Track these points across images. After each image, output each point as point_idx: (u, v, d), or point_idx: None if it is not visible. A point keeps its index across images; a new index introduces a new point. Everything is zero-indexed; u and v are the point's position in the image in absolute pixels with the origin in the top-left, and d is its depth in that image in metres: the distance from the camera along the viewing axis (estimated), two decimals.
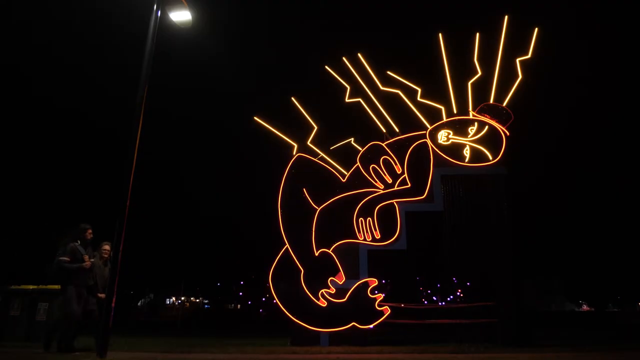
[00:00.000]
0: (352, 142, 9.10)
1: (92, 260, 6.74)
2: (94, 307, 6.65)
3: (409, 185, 8.62)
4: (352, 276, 8.31)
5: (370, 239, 8.43)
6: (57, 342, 6.44)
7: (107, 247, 7.00)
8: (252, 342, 8.97)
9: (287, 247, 8.59)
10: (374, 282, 8.27)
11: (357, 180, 8.83)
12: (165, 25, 7.29)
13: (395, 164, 8.79)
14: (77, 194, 28.36)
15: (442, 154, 8.70)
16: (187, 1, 7.20)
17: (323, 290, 8.21)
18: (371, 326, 8.08)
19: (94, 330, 6.47)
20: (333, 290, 8.21)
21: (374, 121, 9.16)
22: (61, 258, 6.44)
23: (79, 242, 6.69)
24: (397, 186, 8.68)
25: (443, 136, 8.78)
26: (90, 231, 6.91)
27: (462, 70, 9.03)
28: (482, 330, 8.29)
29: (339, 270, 8.31)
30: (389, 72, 9.34)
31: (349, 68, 9.44)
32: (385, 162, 8.79)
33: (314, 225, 8.58)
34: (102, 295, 6.72)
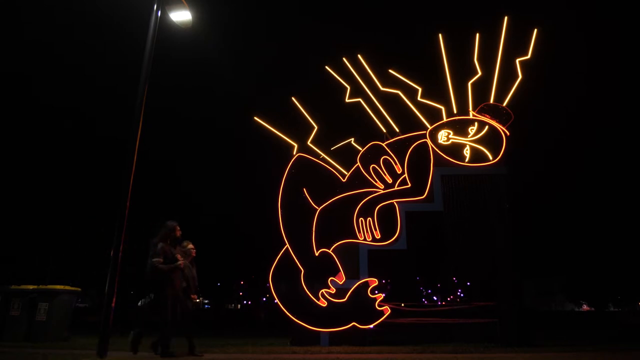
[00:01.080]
0: (352, 142, 9.10)
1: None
2: (189, 309, 6.39)
3: (409, 185, 8.62)
4: (352, 276, 8.31)
5: (371, 238, 8.42)
6: (159, 346, 6.11)
7: (192, 245, 6.74)
8: (252, 342, 8.97)
9: (287, 247, 8.59)
10: (374, 282, 8.27)
11: (357, 180, 8.83)
12: (165, 25, 7.30)
13: (396, 164, 8.78)
14: (77, 194, 28.35)
15: (442, 154, 8.70)
16: (187, 1, 7.20)
17: (323, 290, 8.21)
18: (371, 326, 8.08)
19: (187, 331, 6.32)
20: (333, 290, 8.21)
21: (374, 121, 9.16)
22: (154, 259, 5.96)
23: (168, 241, 6.26)
24: (397, 186, 8.68)
25: (443, 136, 8.78)
26: (178, 228, 6.44)
27: (462, 70, 9.03)
28: (482, 330, 8.29)
29: (339, 270, 8.31)
30: (389, 70, 9.34)
31: (349, 68, 9.44)
32: (385, 162, 8.79)
33: (314, 225, 8.58)
34: (195, 297, 6.54)
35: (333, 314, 8.08)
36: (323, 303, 8.17)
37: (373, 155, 8.85)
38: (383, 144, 8.94)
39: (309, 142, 9.22)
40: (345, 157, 9.05)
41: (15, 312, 8.63)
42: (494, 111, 8.68)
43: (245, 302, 47.80)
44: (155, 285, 6.07)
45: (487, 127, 8.66)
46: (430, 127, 8.91)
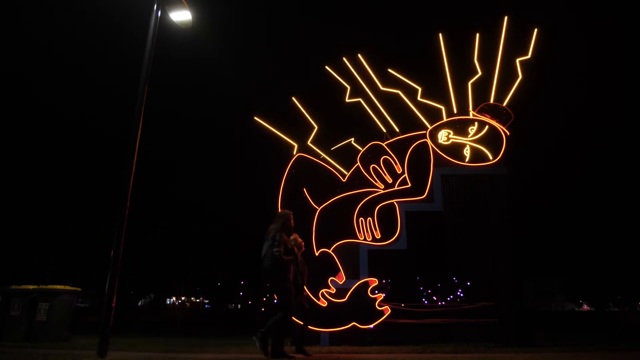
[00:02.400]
0: (353, 142, 9.10)
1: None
2: (305, 306, 6.22)
3: (409, 185, 8.62)
4: (352, 276, 8.31)
5: (371, 238, 8.42)
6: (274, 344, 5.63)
7: (300, 239, 6.51)
8: (253, 342, 8.95)
9: None
10: (374, 282, 8.27)
11: (358, 180, 8.83)
12: (165, 25, 7.29)
13: (396, 164, 8.78)
14: (77, 194, 28.35)
15: (442, 154, 8.70)
16: (187, 1, 7.20)
17: (323, 290, 8.21)
18: (371, 326, 8.08)
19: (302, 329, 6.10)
20: (333, 290, 8.21)
21: (374, 121, 9.16)
22: (276, 249, 5.54)
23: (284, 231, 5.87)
24: (397, 186, 8.68)
25: (443, 136, 8.78)
26: (292, 217, 6.08)
27: (462, 70, 9.03)
28: (482, 330, 8.29)
29: (339, 270, 8.31)
30: (389, 70, 9.34)
31: (349, 68, 9.44)
32: (386, 162, 8.79)
33: (314, 225, 8.58)
34: (307, 293, 6.37)
35: (333, 314, 8.07)
36: (323, 303, 8.17)
37: (373, 155, 8.85)
38: (383, 144, 8.94)
39: (309, 142, 9.22)
40: (345, 157, 9.05)
41: (16, 312, 8.63)
42: (494, 111, 8.68)
43: (245, 302, 47.82)
44: (273, 276, 5.62)
45: (487, 127, 8.66)
46: (430, 127, 8.90)
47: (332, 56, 9.80)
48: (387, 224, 8.47)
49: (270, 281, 5.68)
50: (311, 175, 8.96)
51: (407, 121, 9.10)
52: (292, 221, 6.04)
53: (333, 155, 9.12)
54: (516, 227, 8.54)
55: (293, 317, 5.70)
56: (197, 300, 56.26)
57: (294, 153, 9.16)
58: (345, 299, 8.15)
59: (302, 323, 6.14)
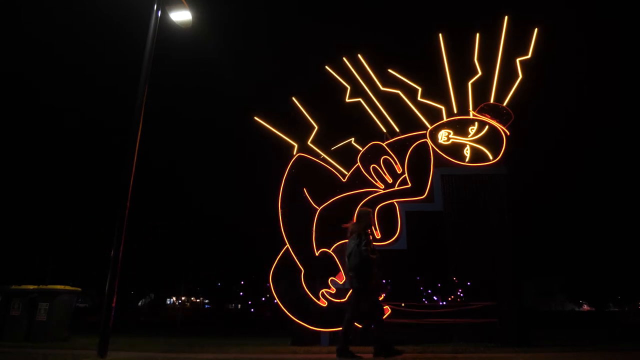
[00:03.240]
0: (353, 142, 9.09)
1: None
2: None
3: (409, 185, 8.61)
4: None
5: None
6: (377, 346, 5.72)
7: None
8: (253, 342, 8.97)
9: (287, 247, 8.59)
10: None
11: (358, 180, 8.83)
12: (165, 25, 7.29)
13: (396, 164, 8.78)
14: (77, 194, 28.34)
15: (442, 154, 8.69)
16: (187, 1, 7.19)
17: (323, 290, 8.21)
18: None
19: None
20: (333, 290, 8.21)
21: (374, 121, 9.15)
22: (364, 248, 5.55)
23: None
24: (398, 186, 8.67)
25: (443, 136, 8.78)
26: (372, 215, 5.98)
27: (462, 70, 9.02)
28: (482, 330, 8.28)
29: (340, 270, 8.31)
30: (389, 70, 9.33)
31: (349, 68, 9.43)
32: (386, 162, 8.78)
33: (315, 225, 8.58)
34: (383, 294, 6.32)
35: (333, 314, 8.07)
36: (323, 303, 8.18)
37: (373, 155, 8.85)
38: (383, 144, 8.94)
39: (309, 142, 9.22)
40: (345, 157, 9.05)
41: (16, 312, 8.63)
42: (494, 111, 8.68)
43: (248, 302, 47.87)
44: (359, 274, 5.62)
45: (487, 127, 8.65)
46: (430, 127, 8.90)
47: (332, 56, 9.79)
48: (387, 224, 8.46)
49: (355, 279, 5.67)
50: (311, 175, 8.96)
51: (407, 121, 9.09)
52: (372, 218, 6.00)
53: (333, 155, 9.12)
54: (516, 227, 8.53)
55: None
56: (197, 300, 56.28)
57: (294, 153, 9.16)
58: (346, 299, 8.14)
59: (371, 324, 6.08)
